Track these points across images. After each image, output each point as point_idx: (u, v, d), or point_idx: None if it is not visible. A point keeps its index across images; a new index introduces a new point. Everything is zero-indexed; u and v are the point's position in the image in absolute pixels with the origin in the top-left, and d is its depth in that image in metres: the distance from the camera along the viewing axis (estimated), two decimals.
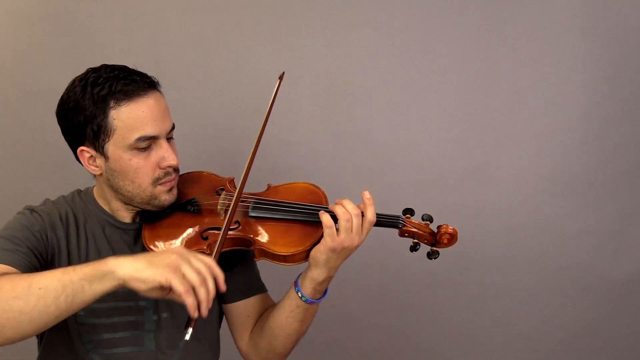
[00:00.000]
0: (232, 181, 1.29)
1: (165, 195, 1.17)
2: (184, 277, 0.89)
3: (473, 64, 2.01)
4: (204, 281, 0.90)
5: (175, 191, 1.19)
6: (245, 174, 1.17)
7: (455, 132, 2.02)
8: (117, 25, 1.87)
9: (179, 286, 0.88)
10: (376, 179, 2.00)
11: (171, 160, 1.14)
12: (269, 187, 1.27)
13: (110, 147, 1.12)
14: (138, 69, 1.17)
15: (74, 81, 1.14)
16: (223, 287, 0.95)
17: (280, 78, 1.27)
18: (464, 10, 1.99)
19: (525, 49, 2.01)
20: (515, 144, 2.04)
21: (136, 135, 1.10)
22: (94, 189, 1.24)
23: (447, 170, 2.02)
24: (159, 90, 1.17)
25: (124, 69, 1.13)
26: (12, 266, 1.02)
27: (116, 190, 1.17)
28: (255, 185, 1.27)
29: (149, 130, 1.11)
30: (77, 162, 1.20)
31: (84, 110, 1.10)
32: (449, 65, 2.01)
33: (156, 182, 1.15)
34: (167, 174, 1.15)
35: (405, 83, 2.00)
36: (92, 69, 1.14)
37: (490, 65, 2.01)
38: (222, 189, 1.25)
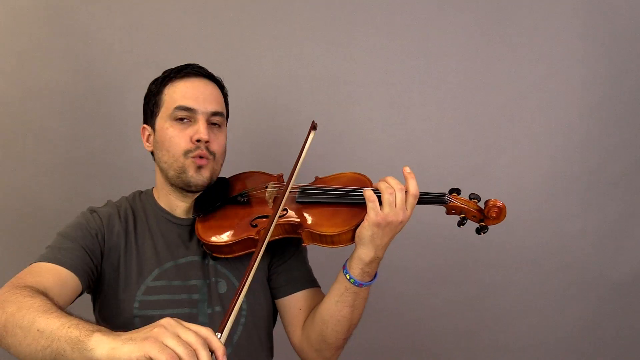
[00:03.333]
0: (281, 177, 1.34)
1: (192, 172, 1.23)
2: (164, 346, 0.80)
3: (473, 64, 2.01)
4: (192, 353, 0.80)
5: (205, 174, 1.25)
6: (295, 163, 1.21)
7: (455, 132, 2.02)
8: (117, 25, 1.87)
9: (158, 355, 0.78)
10: (375, 179, 1.99)
11: (201, 134, 1.22)
12: (316, 179, 1.31)
13: (158, 119, 1.26)
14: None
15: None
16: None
17: (313, 128, 1.30)
18: (464, 11, 2.00)
19: (525, 49, 2.01)
20: (515, 144, 2.04)
21: (175, 105, 1.23)
22: (153, 188, 1.35)
23: (447, 170, 2.02)
24: (214, 83, 1.30)
25: (192, 64, 1.29)
26: (61, 266, 1.10)
27: (160, 166, 1.27)
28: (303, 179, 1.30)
29: (188, 102, 1.23)
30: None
31: (150, 93, 1.29)
32: (449, 65, 2.01)
33: (187, 154, 1.23)
34: (197, 148, 1.23)
35: (405, 83, 2.01)
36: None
37: (490, 66, 2.02)
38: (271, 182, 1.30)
